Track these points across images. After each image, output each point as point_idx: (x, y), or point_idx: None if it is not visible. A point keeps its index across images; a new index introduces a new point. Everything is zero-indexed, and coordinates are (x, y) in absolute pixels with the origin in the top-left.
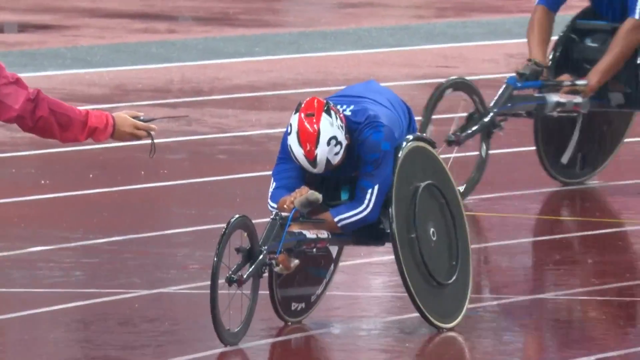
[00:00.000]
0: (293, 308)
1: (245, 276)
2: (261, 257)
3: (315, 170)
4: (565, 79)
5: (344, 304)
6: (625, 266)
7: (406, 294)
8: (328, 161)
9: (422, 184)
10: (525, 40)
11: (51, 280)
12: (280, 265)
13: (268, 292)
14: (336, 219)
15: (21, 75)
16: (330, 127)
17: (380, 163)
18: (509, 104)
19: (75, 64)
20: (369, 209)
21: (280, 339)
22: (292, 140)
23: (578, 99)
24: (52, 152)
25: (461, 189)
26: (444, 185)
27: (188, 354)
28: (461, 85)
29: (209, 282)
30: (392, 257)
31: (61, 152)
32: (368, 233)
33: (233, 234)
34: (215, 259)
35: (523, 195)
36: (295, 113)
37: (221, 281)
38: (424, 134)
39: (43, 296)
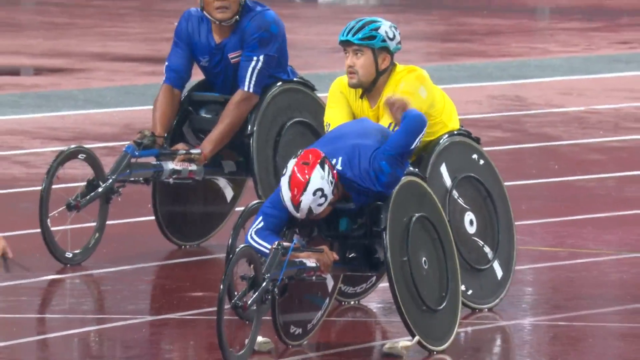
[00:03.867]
0: (291, 331)
1: (249, 302)
2: (264, 284)
3: (297, 215)
4: (181, 147)
5: (343, 330)
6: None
7: (400, 320)
8: (310, 210)
9: (415, 215)
10: (506, 82)
11: (64, 306)
12: None
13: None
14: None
15: (37, 115)
16: (320, 179)
17: (392, 174)
18: (128, 171)
19: (87, 105)
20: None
21: None
22: (284, 182)
23: (193, 167)
24: (64, 186)
25: (77, 251)
26: (436, 220)
27: None
28: (82, 151)
29: (212, 308)
30: (387, 284)
31: (72, 187)
32: (366, 261)
33: (238, 263)
34: (221, 286)
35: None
36: (293, 158)
37: (227, 307)
38: (415, 169)
39: (57, 321)
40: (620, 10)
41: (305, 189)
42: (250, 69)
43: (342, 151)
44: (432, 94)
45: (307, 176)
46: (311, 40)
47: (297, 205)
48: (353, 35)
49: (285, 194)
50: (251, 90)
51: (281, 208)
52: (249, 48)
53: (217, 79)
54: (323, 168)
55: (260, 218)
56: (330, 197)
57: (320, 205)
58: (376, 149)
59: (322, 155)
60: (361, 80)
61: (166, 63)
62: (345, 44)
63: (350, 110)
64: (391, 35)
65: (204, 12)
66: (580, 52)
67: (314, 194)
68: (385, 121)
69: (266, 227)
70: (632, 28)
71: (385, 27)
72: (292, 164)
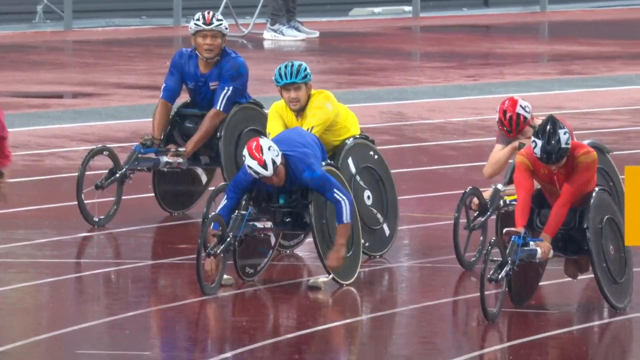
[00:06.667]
0: (247, 271)
1: (218, 251)
2: (228, 239)
3: (267, 173)
4: (172, 147)
5: (282, 270)
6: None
7: (320, 263)
8: (274, 162)
9: None
10: (391, 103)
11: (93, 254)
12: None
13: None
14: (347, 222)
15: (74, 125)
16: (265, 142)
17: (322, 181)
18: (136, 163)
19: (108, 118)
20: (345, 199)
21: (239, 291)
22: (247, 161)
23: (180, 160)
24: (93, 173)
25: (102, 217)
26: None
27: (185, 299)
28: (105, 149)
29: (193, 256)
30: (312, 239)
31: (99, 174)
32: (297, 224)
33: (210, 225)
34: (199, 240)
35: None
36: (245, 149)
37: (203, 254)
38: (331, 162)
39: (88, 264)
40: (467, 55)
41: (261, 151)
42: (222, 95)
43: (284, 150)
44: (336, 107)
45: (257, 143)
46: (260, 74)
47: (263, 164)
48: (295, 77)
49: (252, 164)
50: (221, 109)
51: (238, 191)
52: (224, 80)
53: (198, 97)
54: (262, 138)
55: (225, 198)
56: (279, 152)
57: (277, 156)
58: (304, 157)
59: (259, 137)
60: (302, 105)
61: (163, 84)
62: (290, 84)
63: (284, 122)
64: (310, 71)
65: (196, 52)
66: (441, 82)
67: (269, 149)
68: (305, 126)
69: (229, 204)
70: (475, 67)
71: (307, 66)
72: (245, 150)
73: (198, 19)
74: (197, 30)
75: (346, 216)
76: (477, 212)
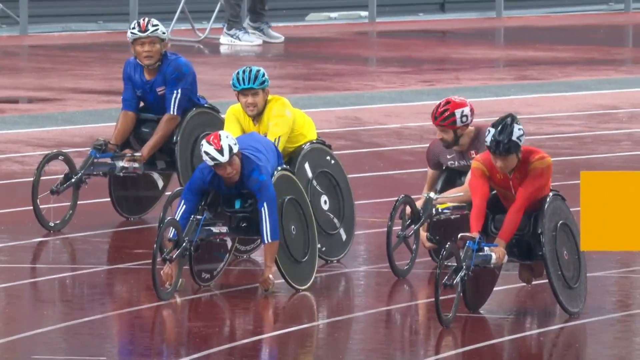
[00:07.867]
0: (202, 276)
1: (174, 256)
2: (184, 244)
3: (222, 159)
4: (128, 152)
5: (238, 275)
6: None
7: (275, 268)
8: (230, 148)
9: (287, 197)
10: (348, 107)
11: (49, 259)
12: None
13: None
14: (271, 240)
15: (28, 130)
16: (225, 133)
17: (262, 187)
18: (92, 168)
19: (64, 123)
20: (268, 221)
21: (195, 296)
22: (205, 147)
23: (136, 165)
24: (48, 178)
25: (57, 222)
26: (301, 200)
27: (141, 304)
28: (60, 154)
29: (149, 260)
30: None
31: (54, 179)
32: (253, 229)
33: (166, 230)
34: (155, 245)
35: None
36: (202, 145)
37: (159, 259)
38: (287, 166)
39: (43, 269)
40: (423, 60)
41: (219, 138)
42: (173, 99)
43: (239, 148)
44: (294, 114)
45: (215, 134)
46: (216, 79)
47: (220, 149)
48: (253, 82)
49: (209, 149)
50: (175, 113)
51: (195, 194)
52: (170, 84)
53: (148, 104)
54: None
55: (182, 202)
56: (237, 144)
57: (235, 144)
58: (258, 166)
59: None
60: (259, 110)
61: (122, 97)
62: (248, 90)
63: (241, 127)
64: (268, 77)
65: (137, 60)
66: (397, 87)
67: (226, 137)
68: (271, 137)
69: (187, 209)
70: (431, 72)
71: (265, 72)
72: (204, 142)
73: (134, 27)
74: (134, 38)
75: (267, 236)
76: (410, 220)
